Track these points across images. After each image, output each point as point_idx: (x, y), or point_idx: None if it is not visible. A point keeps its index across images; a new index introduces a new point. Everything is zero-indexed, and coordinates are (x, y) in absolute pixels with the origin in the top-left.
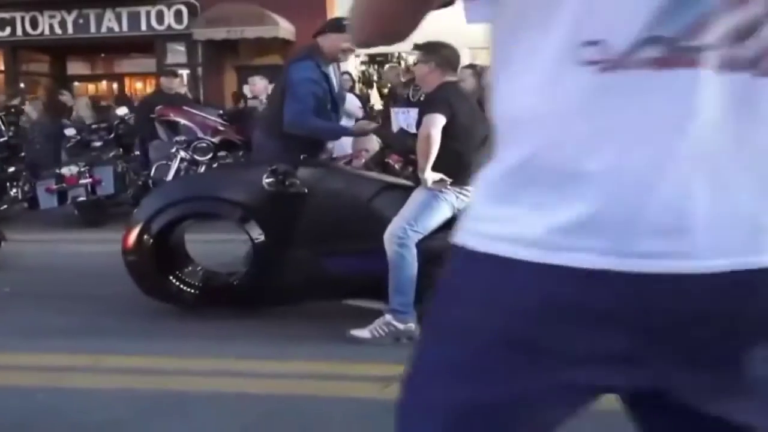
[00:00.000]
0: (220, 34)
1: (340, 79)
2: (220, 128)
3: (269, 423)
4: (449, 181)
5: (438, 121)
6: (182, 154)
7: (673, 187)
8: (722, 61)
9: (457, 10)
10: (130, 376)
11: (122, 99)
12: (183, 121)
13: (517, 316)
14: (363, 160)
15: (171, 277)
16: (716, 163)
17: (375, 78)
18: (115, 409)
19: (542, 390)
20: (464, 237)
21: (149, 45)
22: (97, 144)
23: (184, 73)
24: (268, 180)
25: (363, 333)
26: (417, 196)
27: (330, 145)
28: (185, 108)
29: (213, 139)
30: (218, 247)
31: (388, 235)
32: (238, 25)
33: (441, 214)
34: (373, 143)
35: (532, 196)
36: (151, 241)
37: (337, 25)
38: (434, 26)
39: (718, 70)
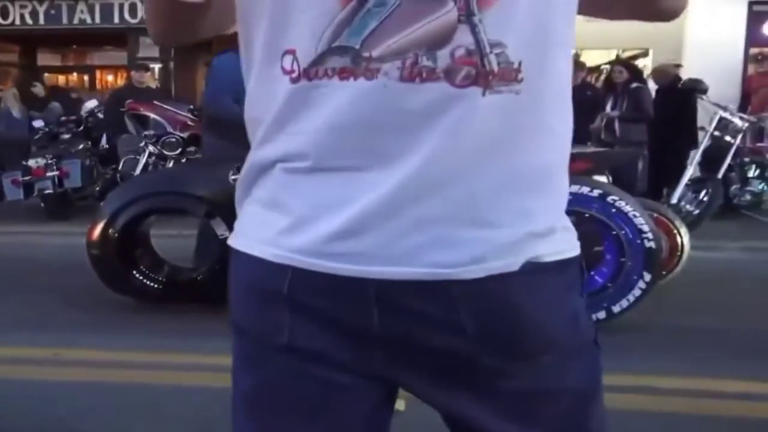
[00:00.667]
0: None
1: None
2: (190, 123)
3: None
4: None
5: None
6: (151, 148)
7: (350, 191)
8: (407, 71)
9: None
10: (93, 369)
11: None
12: (153, 116)
13: (239, 305)
14: None
15: (135, 272)
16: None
17: None
18: (77, 402)
19: (285, 378)
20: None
21: (121, 37)
22: (66, 137)
23: (156, 67)
24: (234, 177)
25: None
26: None
27: None
28: (155, 102)
29: (182, 135)
30: (183, 242)
31: None
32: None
33: None
34: None
35: (257, 189)
36: (116, 235)
37: None
38: None
39: (401, 81)
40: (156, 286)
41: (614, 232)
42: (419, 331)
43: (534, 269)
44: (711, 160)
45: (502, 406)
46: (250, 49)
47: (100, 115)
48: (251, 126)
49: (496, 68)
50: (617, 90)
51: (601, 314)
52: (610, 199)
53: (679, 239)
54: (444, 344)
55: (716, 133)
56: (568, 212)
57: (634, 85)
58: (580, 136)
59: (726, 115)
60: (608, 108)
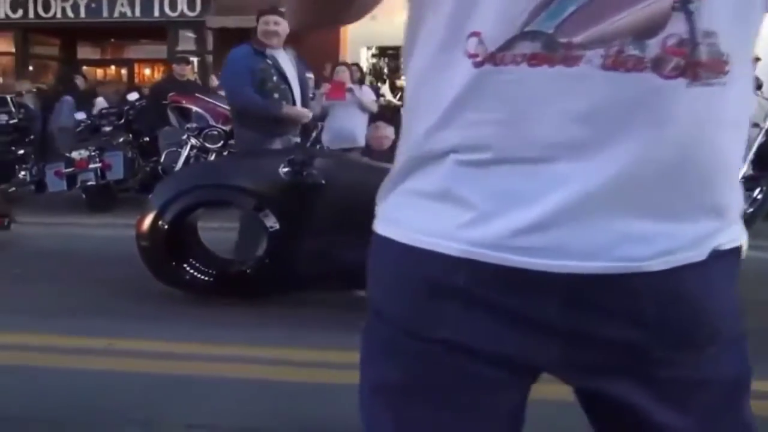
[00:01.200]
0: (233, 21)
1: (298, 64)
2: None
3: (285, 410)
4: None
5: None
6: (193, 141)
7: (540, 185)
8: (611, 60)
9: None
10: (145, 360)
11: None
12: (195, 108)
13: (388, 294)
14: (386, 147)
15: (185, 265)
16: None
17: (386, 71)
18: (130, 394)
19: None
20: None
21: (161, 31)
22: (107, 129)
23: (194, 60)
24: (285, 170)
25: None
26: None
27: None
28: (197, 95)
29: (224, 128)
30: (224, 235)
31: None
32: (253, 13)
33: None
34: (390, 131)
35: (418, 181)
36: (166, 227)
37: (261, 10)
38: None
39: (603, 69)
40: (207, 278)
41: None
42: (598, 324)
43: (714, 258)
44: (765, 157)
45: (661, 393)
46: (422, 29)
47: (141, 108)
48: (415, 112)
49: (704, 59)
50: None
51: None
52: None
53: None
54: (621, 335)
55: None
56: None
57: None
58: None
59: None
60: None
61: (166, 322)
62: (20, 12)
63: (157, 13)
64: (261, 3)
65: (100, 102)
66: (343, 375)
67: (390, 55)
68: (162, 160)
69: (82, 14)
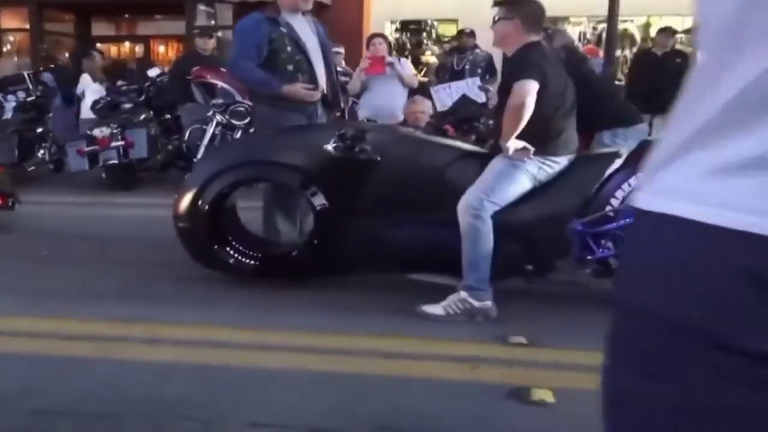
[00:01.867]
0: None
1: (318, 30)
2: None
3: (356, 406)
4: (532, 150)
5: (533, 88)
6: (218, 117)
7: None
8: None
9: None
10: (192, 348)
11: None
12: (221, 84)
13: (666, 288)
14: (423, 123)
15: (228, 248)
16: None
17: (408, 46)
18: (174, 384)
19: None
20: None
21: (176, 6)
22: (127, 106)
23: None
24: (335, 145)
25: (435, 309)
26: (495, 166)
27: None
28: (223, 70)
29: (250, 103)
30: (251, 215)
31: (462, 206)
32: None
33: (520, 185)
34: (427, 105)
35: (733, 142)
36: (207, 207)
37: None
38: None
39: None
40: (251, 262)
41: None
42: None
43: None
44: None
45: None
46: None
47: (162, 84)
48: (740, 48)
49: None
50: None
51: None
52: None
53: None
54: None
55: None
56: None
57: None
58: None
59: None
60: None
61: (209, 307)
62: None
63: None
64: None
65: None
66: (415, 367)
67: (412, 30)
68: (186, 137)
69: None
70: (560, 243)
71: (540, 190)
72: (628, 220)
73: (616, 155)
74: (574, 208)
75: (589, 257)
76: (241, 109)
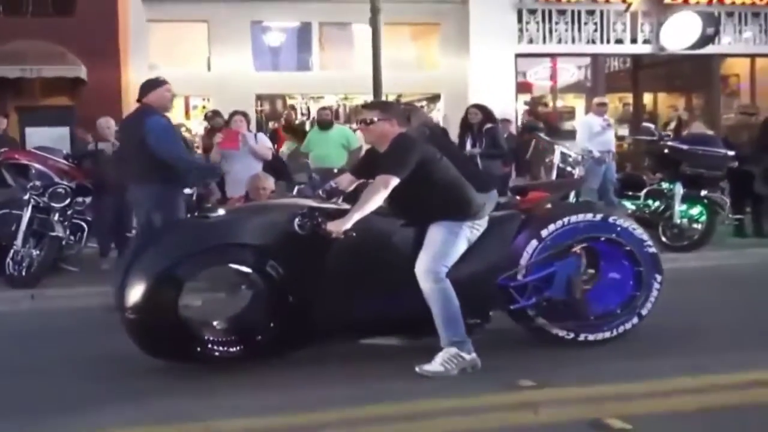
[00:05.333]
0: (14, 72)
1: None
2: (67, 171)
3: None
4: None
5: (392, 184)
6: (34, 200)
7: None
8: None
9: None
10: None
11: None
12: (36, 165)
13: None
14: (264, 199)
15: (190, 337)
16: None
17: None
18: None
19: None
20: None
21: None
22: None
23: None
24: (300, 223)
25: (435, 367)
26: (437, 232)
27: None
28: (32, 150)
29: (70, 184)
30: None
31: (421, 274)
32: (35, 63)
33: (461, 247)
34: (270, 182)
35: None
36: (165, 297)
37: (158, 82)
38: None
39: None
40: (231, 348)
41: (627, 248)
42: None
43: None
44: None
45: None
46: None
47: None
48: None
49: None
50: (473, 130)
51: (635, 320)
52: (611, 219)
53: None
54: None
55: None
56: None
57: (488, 125)
58: None
59: None
60: (468, 146)
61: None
62: None
63: None
64: (41, 54)
65: None
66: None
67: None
68: None
69: None
70: (491, 296)
71: (470, 251)
72: (541, 273)
73: (518, 216)
74: (497, 263)
75: (512, 307)
76: (61, 190)
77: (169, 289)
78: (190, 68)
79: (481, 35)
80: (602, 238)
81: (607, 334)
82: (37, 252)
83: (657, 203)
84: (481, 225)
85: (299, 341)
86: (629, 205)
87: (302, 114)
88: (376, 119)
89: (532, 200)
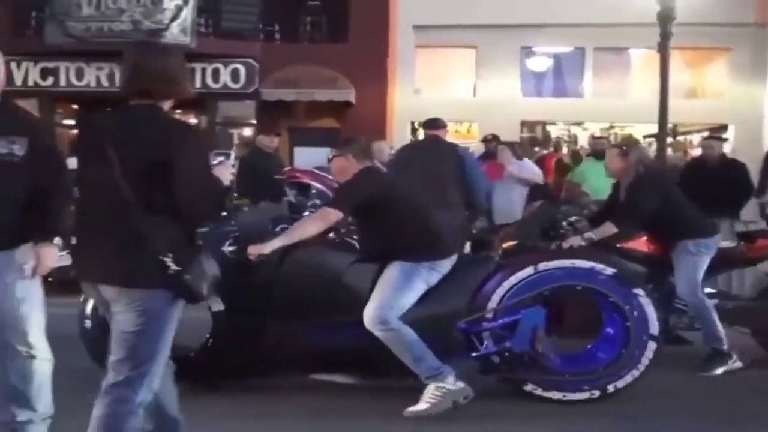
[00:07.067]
0: (289, 95)
1: None
2: None
3: None
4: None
5: (332, 218)
6: None
7: None
8: None
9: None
10: None
11: None
12: (317, 185)
13: None
14: None
15: None
16: None
17: None
18: None
19: None
20: None
21: (196, 101)
22: None
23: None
24: (231, 249)
25: (421, 406)
26: (391, 275)
27: None
28: (314, 170)
29: None
30: None
31: (369, 323)
32: (309, 87)
33: (417, 291)
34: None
35: None
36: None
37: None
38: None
39: None
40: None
41: (610, 299)
42: None
43: None
44: None
45: None
46: None
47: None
48: None
49: None
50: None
51: (620, 382)
52: (597, 268)
53: None
54: None
55: None
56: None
57: None
58: None
59: None
60: None
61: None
62: (50, 79)
63: (198, 84)
64: (315, 78)
65: None
66: None
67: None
68: None
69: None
70: (451, 342)
71: (430, 293)
72: (506, 319)
73: (492, 259)
74: (459, 308)
75: (473, 354)
76: None
77: None
78: (455, 93)
79: None
80: (578, 287)
81: (587, 395)
82: None
83: None
84: (442, 267)
85: (240, 369)
86: None
87: (565, 142)
88: (331, 156)
89: (760, 248)
